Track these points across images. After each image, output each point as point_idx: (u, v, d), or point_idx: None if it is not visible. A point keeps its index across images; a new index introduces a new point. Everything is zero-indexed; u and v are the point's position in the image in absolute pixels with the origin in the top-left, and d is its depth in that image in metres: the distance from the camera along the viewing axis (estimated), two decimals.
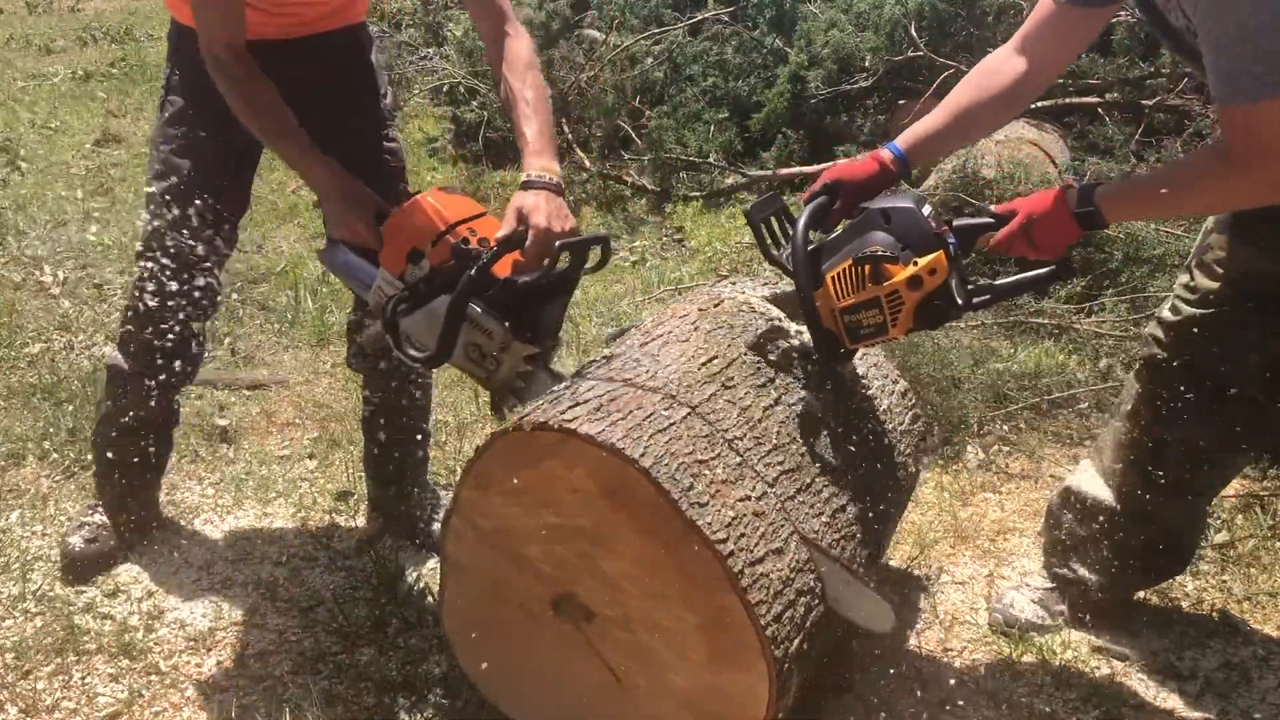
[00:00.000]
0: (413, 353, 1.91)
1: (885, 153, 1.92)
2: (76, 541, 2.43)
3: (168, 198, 2.21)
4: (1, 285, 4.02)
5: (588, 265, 1.92)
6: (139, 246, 2.28)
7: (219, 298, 2.36)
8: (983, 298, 1.79)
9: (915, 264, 1.70)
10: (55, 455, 2.89)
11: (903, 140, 1.93)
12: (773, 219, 1.91)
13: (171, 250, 2.21)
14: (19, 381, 3.31)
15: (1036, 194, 1.76)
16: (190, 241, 2.21)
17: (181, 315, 2.27)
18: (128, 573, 2.44)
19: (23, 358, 3.48)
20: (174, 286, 2.23)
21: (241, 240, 4.46)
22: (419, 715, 1.99)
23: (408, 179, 2.41)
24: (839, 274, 1.76)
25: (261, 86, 1.99)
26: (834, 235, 1.83)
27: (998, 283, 1.80)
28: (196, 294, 2.26)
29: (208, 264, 2.26)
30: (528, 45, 2.04)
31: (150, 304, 2.25)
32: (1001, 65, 1.92)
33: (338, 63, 2.27)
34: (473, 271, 1.79)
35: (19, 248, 4.36)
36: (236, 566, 2.47)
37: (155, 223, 2.23)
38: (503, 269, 1.85)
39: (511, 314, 1.86)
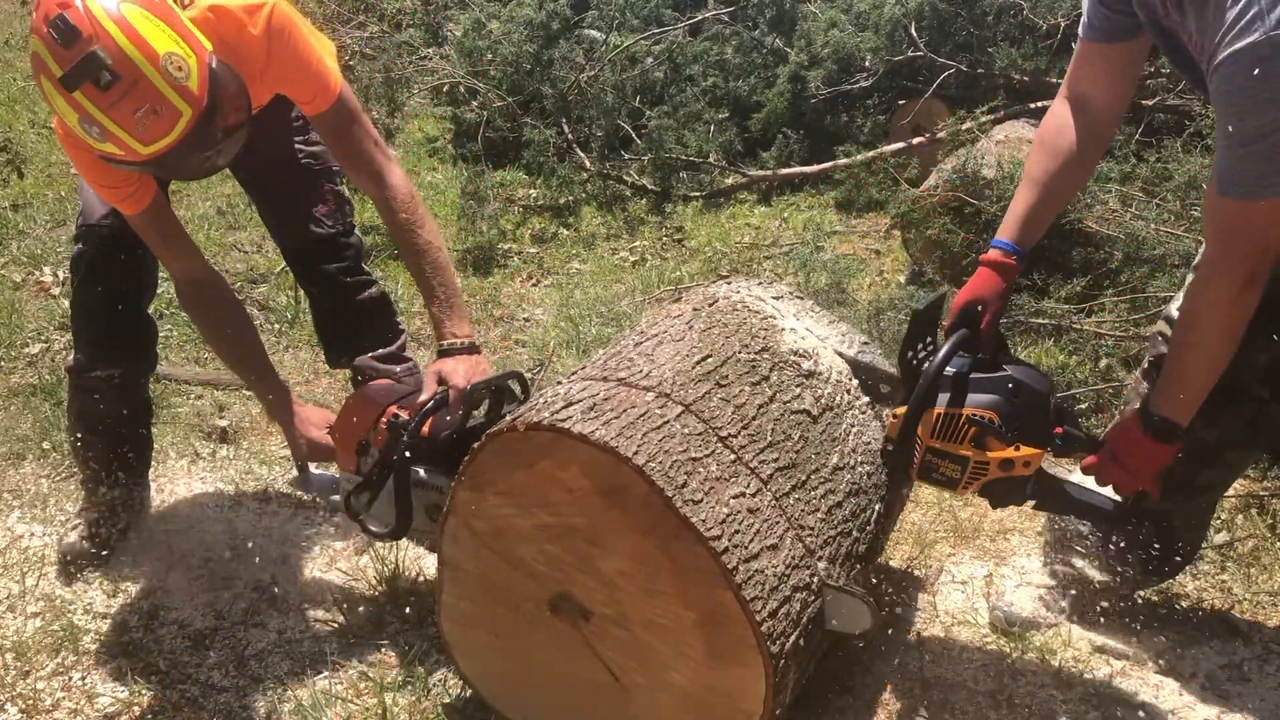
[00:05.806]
0: (376, 530, 2.05)
1: (996, 254, 1.89)
2: (71, 540, 2.43)
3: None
4: (1, 285, 4.02)
5: (515, 401, 2.07)
6: (73, 232, 2.28)
7: (156, 277, 2.38)
8: (1047, 500, 1.85)
9: (1017, 449, 1.73)
10: (55, 455, 2.89)
11: (1007, 233, 1.91)
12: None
13: (102, 231, 2.22)
14: (19, 381, 3.32)
15: (1122, 422, 1.82)
16: (118, 221, 2.20)
17: (121, 298, 2.27)
18: (128, 572, 2.44)
19: (23, 358, 3.48)
20: (109, 270, 2.24)
21: (241, 240, 4.54)
22: (419, 715, 1.99)
23: (338, 180, 2.44)
24: (946, 415, 1.77)
25: (225, 317, 2.15)
26: (960, 367, 1.80)
27: (1068, 490, 1.84)
28: (131, 274, 2.28)
29: (138, 244, 2.26)
30: (406, 199, 2.09)
31: (87, 292, 2.26)
32: (1063, 120, 1.90)
33: None
34: (404, 439, 1.95)
35: (19, 248, 4.37)
36: (236, 566, 2.46)
37: (84, 203, 2.25)
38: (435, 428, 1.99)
39: (457, 466, 1.95)
